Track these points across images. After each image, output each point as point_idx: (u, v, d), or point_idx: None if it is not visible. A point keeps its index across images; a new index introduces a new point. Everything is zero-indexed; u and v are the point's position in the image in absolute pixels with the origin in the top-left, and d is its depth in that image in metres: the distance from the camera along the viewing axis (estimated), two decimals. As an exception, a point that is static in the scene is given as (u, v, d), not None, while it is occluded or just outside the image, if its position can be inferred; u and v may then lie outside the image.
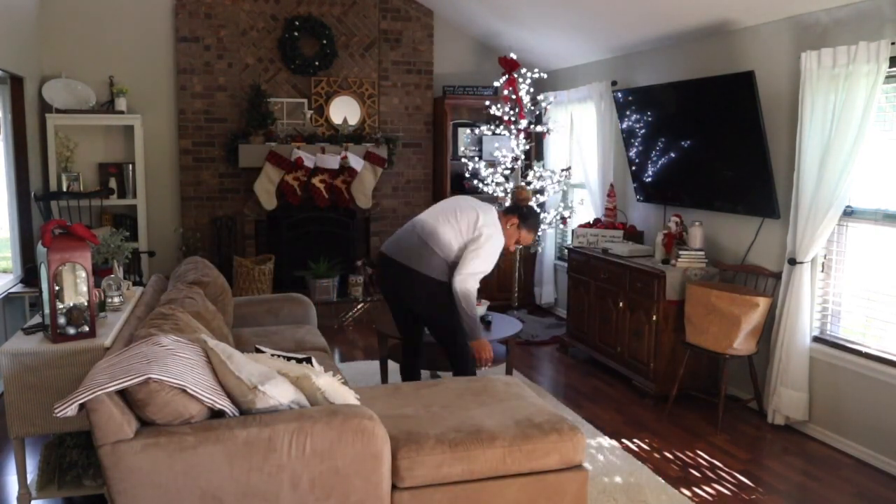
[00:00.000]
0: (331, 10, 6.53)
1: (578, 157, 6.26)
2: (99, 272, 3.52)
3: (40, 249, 2.91)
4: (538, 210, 3.84)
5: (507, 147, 6.13)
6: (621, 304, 4.87)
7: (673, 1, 4.48)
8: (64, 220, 3.19)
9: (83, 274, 2.94)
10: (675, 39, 5.04)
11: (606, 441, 3.90)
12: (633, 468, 3.56)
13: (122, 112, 5.96)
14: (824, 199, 3.76)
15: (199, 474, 2.16)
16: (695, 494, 3.33)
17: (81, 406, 2.05)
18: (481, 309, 4.54)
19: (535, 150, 6.82)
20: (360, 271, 6.55)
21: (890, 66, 3.47)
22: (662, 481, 3.43)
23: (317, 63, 6.46)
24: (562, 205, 6.60)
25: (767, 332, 4.15)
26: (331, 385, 2.49)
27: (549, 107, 6.57)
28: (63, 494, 3.02)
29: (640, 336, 4.66)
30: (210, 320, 3.19)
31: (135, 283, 4.66)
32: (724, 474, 3.56)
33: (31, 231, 5.29)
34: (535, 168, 6.31)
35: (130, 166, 6.04)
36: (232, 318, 4.05)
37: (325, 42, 6.45)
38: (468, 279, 3.58)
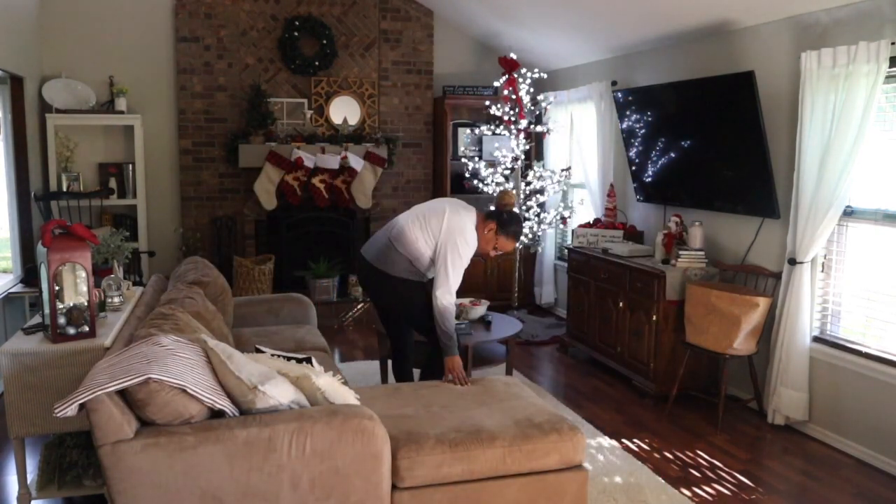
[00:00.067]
0: (331, 10, 6.53)
1: (578, 157, 6.26)
2: (99, 272, 3.52)
3: (40, 249, 2.91)
4: (520, 216, 3.71)
5: (507, 147, 6.13)
6: (621, 304, 4.87)
7: (673, 1, 4.48)
8: (64, 220, 3.19)
9: (83, 274, 2.94)
10: (675, 39, 5.04)
11: (606, 441, 3.90)
12: (633, 468, 3.56)
13: (122, 112, 5.97)
14: (824, 199, 3.76)
15: (199, 474, 2.16)
16: (695, 494, 3.33)
17: (81, 406, 2.05)
18: (481, 309, 4.55)
19: (535, 150, 6.82)
20: (360, 271, 6.54)
21: (890, 66, 3.47)
22: (662, 481, 3.43)
23: (317, 63, 6.46)
24: (562, 205, 6.60)
25: (767, 332, 4.15)
26: (331, 385, 2.49)
27: (549, 107, 6.57)
28: (63, 494, 3.02)
29: (640, 336, 4.66)
30: (210, 320, 3.19)
31: (135, 283, 4.66)
32: (724, 474, 3.56)
33: (31, 231, 5.29)
34: (535, 168, 6.31)
35: (130, 166, 6.04)
36: (232, 318, 4.05)
37: (325, 42, 6.45)
38: (444, 295, 3.47)
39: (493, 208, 3.76)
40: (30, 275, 4.78)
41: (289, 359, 2.60)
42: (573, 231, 5.77)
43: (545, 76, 6.28)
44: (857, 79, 3.54)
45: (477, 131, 6.34)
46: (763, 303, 3.98)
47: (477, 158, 6.43)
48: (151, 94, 6.26)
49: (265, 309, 4.49)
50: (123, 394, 2.16)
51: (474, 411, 2.87)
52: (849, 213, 3.84)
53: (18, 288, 4.77)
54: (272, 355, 2.62)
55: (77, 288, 2.95)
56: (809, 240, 3.86)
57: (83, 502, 3.17)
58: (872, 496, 3.36)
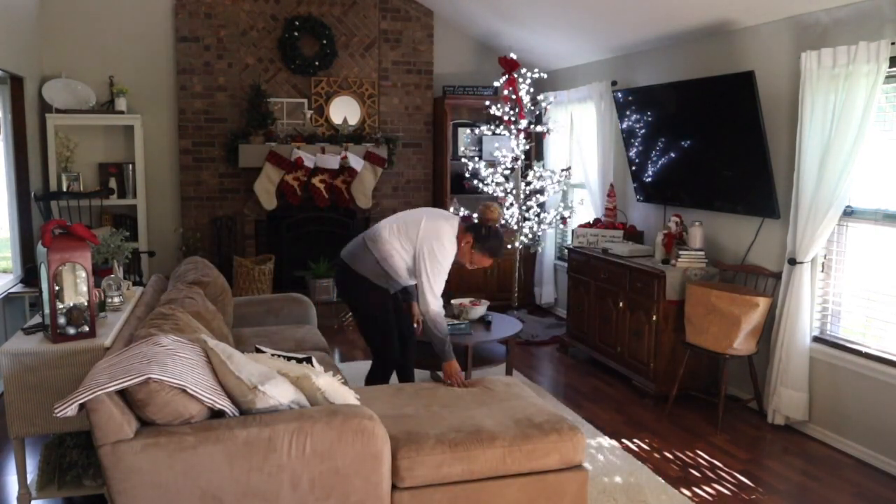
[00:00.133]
0: (331, 10, 6.53)
1: (578, 157, 6.26)
2: (99, 272, 3.52)
3: (40, 249, 2.91)
4: (501, 233, 3.59)
5: (507, 147, 6.13)
6: (621, 304, 4.87)
7: (673, 1, 4.48)
8: (64, 220, 3.19)
9: (83, 274, 2.94)
10: (675, 39, 5.04)
11: (606, 441, 3.90)
12: (633, 468, 3.56)
13: (122, 112, 5.96)
14: (824, 199, 3.76)
15: (199, 474, 2.16)
16: (695, 494, 3.33)
17: (81, 406, 2.05)
18: (481, 309, 4.55)
19: (535, 150, 6.82)
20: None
21: (890, 66, 3.46)
22: (662, 481, 3.43)
23: (317, 63, 6.46)
24: (562, 205, 6.60)
25: (767, 332, 4.15)
26: (331, 385, 2.49)
27: (549, 107, 6.57)
28: (63, 494, 3.02)
29: (640, 336, 4.66)
30: (210, 320, 3.19)
31: (135, 283, 4.66)
32: (724, 474, 3.56)
33: (31, 231, 5.29)
34: (535, 168, 6.31)
35: (130, 166, 6.04)
36: (232, 318, 4.06)
37: (325, 42, 6.45)
38: (430, 303, 3.45)
39: (475, 220, 3.69)
40: (30, 275, 4.78)
41: (289, 359, 2.60)
42: (573, 231, 5.77)
43: (545, 76, 6.28)
44: (857, 79, 3.54)
45: (477, 131, 6.34)
46: (763, 303, 3.98)
47: (477, 158, 6.43)
48: (151, 94, 6.26)
49: (265, 309, 4.49)
50: (123, 394, 2.16)
51: (474, 411, 2.87)
52: (849, 213, 3.84)
53: (18, 288, 4.77)
54: (272, 355, 2.62)
55: (77, 288, 2.95)
56: (809, 240, 3.86)
57: (83, 502, 3.17)
58: (872, 496, 3.36)
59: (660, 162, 5.07)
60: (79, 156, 6.02)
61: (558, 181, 6.17)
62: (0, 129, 5.12)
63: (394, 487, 2.50)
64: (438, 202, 6.93)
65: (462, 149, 6.86)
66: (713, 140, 4.56)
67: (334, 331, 6.15)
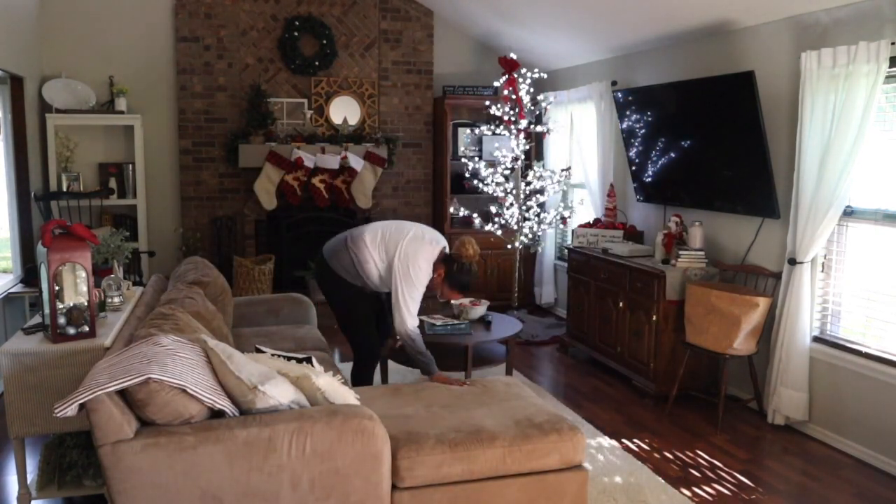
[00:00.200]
0: (331, 10, 6.53)
1: (578, 157, 6.26)
2: (99, 272, 3.52)
3: (40, 249, 2.91)
4: (473, 271, 3.60)
5: (507, 147, 6.13)
6: (621, 304, 4.87)
7: (673, 1, 4.48)
8: (64, 220, 3.19)
9: (83, 274, 2.94)
10: (675, 39, 5.04)
11: (606, 441, 3.90)
12: (633, 468, 3.56)
13: (122, 112, 5.96)
14: (824, 199, 3.76)
15: (199, 474, 2.16)
16: (695, 494, 3.33)
17: (81, 406, 2.05)
18: (481, 309, 4.54)
19: (535, 150, 6.82)
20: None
21: (890, 66, 3.47)
22: (662, 481, 3.43)
23: (317, 63, 6.46)
24: (562, 205, 6.60)
25: (767, 332, 4.15)
26: (331, 385, 2.49)
27: (549, 107, 6.57)
28: (63, 494, 3.02)
29: (640, 336, 4.66)
30: (210, 320, 3.19)
31: (135, 283, 4.66)
32: (724, 474, 3.56)
33: (31, 231, 5.29)
34: (535, 168, 6.31)
35: (130, 166, 6.04)
36: (232, 318, 4.05)
37: (325, 42, 6.45)
38: (406, 321, 3.49)
39: (452, 252, 3.68)
40: (30, 275, 4.78)
41: (289, 359, 2.60)
42: (573, 231, 5.77)
43: (545, 76, 6.28)
44: (857, 79, 3.54)
45: (477, 131, 6.34)
46: (763, 303, 3.98)
47: (477, 158, 6.43)
48: (151, 94, 6.26)
49: (265, 309, 4.49)
50: (123, 394, 2.16)
51: (474, 411, 2.87)
52: (849, 213, 3.84)
53: (18, 288, 4.77)
54: (272, 355, 2.62)
55: (77, 288, 2.95)
56: (809, 240, 3.86)
57: (83, 502, 3.17)
58: (872, 496, 3.36)
59: (660, 162, 5.07)
60: (79, 156, 6.02)
61: (558, 181, 6.17)
62: (0, 129, 5.12)
63: (394, 487, 2.50)
64: (438, 202, 6.94)
65: (462, 149, 6.86)
66: (713, 140, 4.56)
67: (334, 331, 6.14)
